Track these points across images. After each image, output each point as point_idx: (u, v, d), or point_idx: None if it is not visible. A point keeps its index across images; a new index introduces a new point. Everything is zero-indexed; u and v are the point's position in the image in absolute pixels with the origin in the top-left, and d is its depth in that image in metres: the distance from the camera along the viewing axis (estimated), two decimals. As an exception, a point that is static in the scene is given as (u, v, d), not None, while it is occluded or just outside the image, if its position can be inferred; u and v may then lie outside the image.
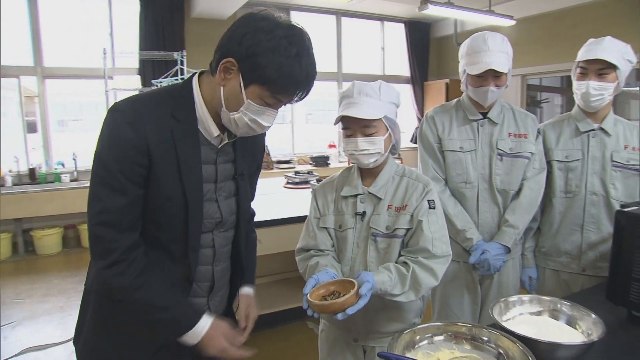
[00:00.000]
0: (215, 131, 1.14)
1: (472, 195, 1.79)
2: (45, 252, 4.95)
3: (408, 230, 1.37)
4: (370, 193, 1.43)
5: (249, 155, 1.27)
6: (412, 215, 1.37)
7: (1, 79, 4.93)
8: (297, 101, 1.11)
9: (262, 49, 1.00)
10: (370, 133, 1.36)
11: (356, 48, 7.11)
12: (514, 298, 1.27)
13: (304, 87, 1.07)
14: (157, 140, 1.06)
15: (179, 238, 1.13)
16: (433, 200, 1.38)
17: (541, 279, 1.89)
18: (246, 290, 1.36)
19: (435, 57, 7.56)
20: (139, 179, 1.06)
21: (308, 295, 1.20)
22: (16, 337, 3.13)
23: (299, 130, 6.82)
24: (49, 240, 4.99)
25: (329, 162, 6.27)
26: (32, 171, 5.17)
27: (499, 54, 1.66)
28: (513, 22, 5.29)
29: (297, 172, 4.22)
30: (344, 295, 1.17)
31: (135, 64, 5.40)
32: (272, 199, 3.35)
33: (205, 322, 1.14)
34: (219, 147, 1.19)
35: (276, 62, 1.00)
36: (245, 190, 1.27)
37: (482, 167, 1.78)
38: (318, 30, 6.86)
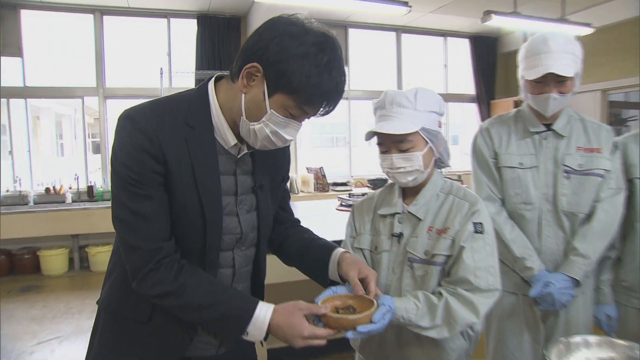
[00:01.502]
0: (233, 139, 1.13)
1: (533, 218, 1.65)
2: (99, 268, 5.18)
3: (449, 257, 1.26)
4: (409, 212, 1.35)
5: (269, 166, 1.25)
6: (453, 240, 1.26)
7: (59, 99, 5.30)
8: (322, 114, 1.08)
9: (291, 55, 0.99)
10: (405, 149, 1.29)
11: (417, 66, 7.05)
12: (577, 339, 1.11)
13: (332, 99, 1.05)
14: (172, 148, 1.05)
15: (196, 255, 1.11)
16: (481, 224, 1.25)
17: (622, 319, 1.71)
18: (341, 251, 1.27)
19: (503, 74, 7.29)
20: (160, 185, 1.06)
21: (320, 302, 1.12)
22: (62, 352, 3.24)
23: (357, 151, 6.81)
24: (102, 257, 5.22)
25: (387, 184, 6.16)
26: (90, 189, 5.48)
27: (562, 56, 1.52)
28: (591, 31, 4.97)
29: (351, 195, 4.18)
30: (359, 313, 1.09)
31: (191, 83, 5.61)
32: (322, 221, 3.33)
33: (266, 311, 1.08)
34: (238, 157, 1.17)
35: (305, 70, 0.99)
36: (266, 204, 1.24)
37: (545, 186, 1.64)
38: (377, 48, 6.87)
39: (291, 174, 5.74)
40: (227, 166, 1.15)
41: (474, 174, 1.78)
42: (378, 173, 6.54)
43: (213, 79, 1.15)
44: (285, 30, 1.01)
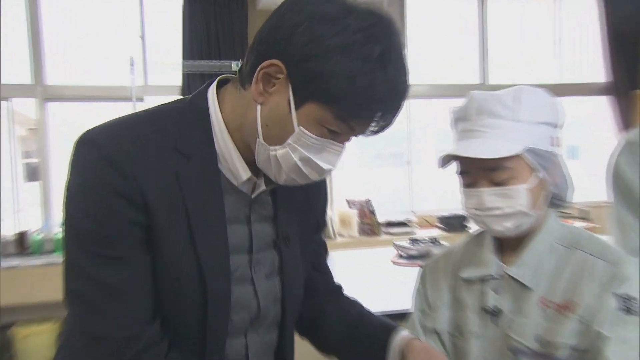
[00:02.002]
0: (245, 172, 1.16)
1: None
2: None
3: (581, 352, 1.22)
4: (510, 277, 1.35)
5: (298, 208, 1.30)
6: (584, 322, 1.23)
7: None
8: (375, 131, 1.12)
9: (326, 47, 1.02)
10: (501, 180, 1.30)
11: (512, 46, 7.00)
12: None
13: (389, 108, 1.08)
14: (156, 187, 1.08)
15: (192, 344, 1.14)
16: (630, 298, 1.21)
17: None
18: (405, 336, 1.33)
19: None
20: (138, 243, 1.09)
21: None
22: None
23: (421, 173, 6.80)
24: (38, 342, 4.96)
25: (467, 224, 6.08)
26: (21, 237, 5.30)
27: None
28: None
29: (414, 240, 4.18)
30: None
31: (176, 79, 5.73)
32: (372, 283, 3.33)
33: None
34: (253, 196, 1.21)
35: (347, 68, 1.02)
36: (294, 265, 1.28)
37: None
38: (448, 22, 6.89)
39: (324, 210, 5.77)
40: (237, 211, 1.18)
41: (614, 213, 1.76)
42: (453, 206, 6.47)
43: (215, 83, 1.19)
44: (317, 11, 1.04)
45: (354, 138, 1.15)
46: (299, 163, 1.10)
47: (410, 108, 6.66)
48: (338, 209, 6.13)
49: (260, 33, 1.10)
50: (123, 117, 1.16)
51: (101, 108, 5.84)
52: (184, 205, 1.10)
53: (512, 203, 1.29)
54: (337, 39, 1.02)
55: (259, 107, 1.09)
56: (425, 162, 7.12)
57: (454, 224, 6.08)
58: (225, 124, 1.15)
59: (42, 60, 5.65)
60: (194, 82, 5.64)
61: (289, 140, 1.08)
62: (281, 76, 1.06)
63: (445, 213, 6.22)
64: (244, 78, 1.12)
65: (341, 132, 1.09)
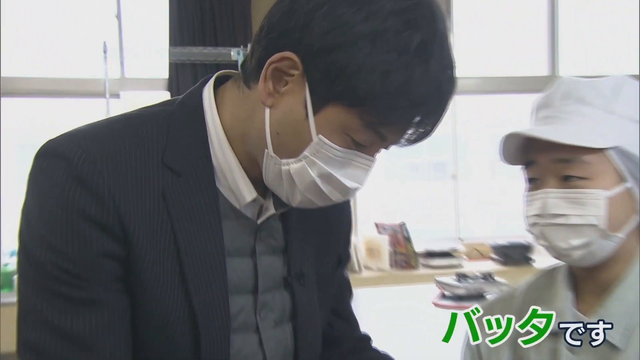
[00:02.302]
0: (249, 192, 1.17)
1: None
2: None
3: None
4: (590, 331, 1.30)
5: (314, 238, 1.32)
6: None
7: None
8: (413, 140, 1.13)
9: (353, 35, 1.02)
10: (574, 177, 1.29)
11: (589, 29, 7.01)
12: None
13: (430, 111, 1.09)
14: (138, 213, 1.09)
15: None
16: None
17: None
18: None
19: None
20: (114, 281, 1.09)
21: None
22: None
23: (470, 192, 6.80)
24: None
25: (530, 257, 6.04)
26: None
27: None
28: None
29: (461, 276, 4.16)
30: None
31: (161, 71, 5.77)
32: (406, 328, 3.33)
33: None
34: (259, 222, 1.21)
35: (380, 62, 1.02)
36: (310, 310, 1.30)
37: None
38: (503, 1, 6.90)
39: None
40: (239, 241, 1.19)
41: None
42: (513, 232, 6.42)
43: (211, 81, 1.21)
44: None
45: (385, 149, 1.16)
46: (317, 180, 1.10)
47: (456, 107, 6.63)
48: (365, 235, 6.14)
49: (269, 17, 1.11)
50: (96, 122, 1.17)
51: (67, 106, 5.90)
52: (173, 233, 1.11)
53: (583, 211, 1.28)
54: (367, 25, 1.02)
55: (267, 110, 1.10)
56: (476, 175, 7.09)
57: (513, 255, 6.01)
58: (225, 132, 1.16)
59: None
60: (183, 74, 5.68)
61: (306, 152, 1.09)
62: (296, 72, 1.07)
63: (502, 241, 6.16)
64: (249, 75, 1.13)
65: (371, 141, 1.10)
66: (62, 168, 1.06)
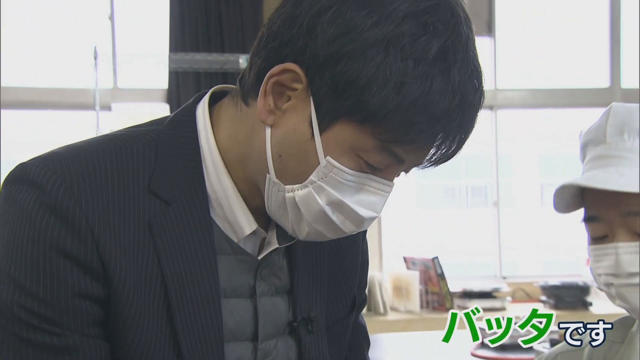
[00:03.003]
0: (248, 223, 1.18)
1: None
2: None
3: None
4: None
5: (325, 274, 1.32)
6: None
7: None
8: (435, 162, 1.14)
9: (363, 42, 1.03)
10: None
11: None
12: None
13: (454, 127, 1.09)
14: (121, 247, 1.09)
15: None
16: None
17: None
18: None
19: None
20: (91, 328, 1.09)
21: None
22: None
23: (515, 222, 6.80)
24: None
25: (588, 300, 6.00)
26: None
27: None
28: None
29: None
30: None
31: (159, 80, 5.82)
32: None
33: None
34: (260, 257, 1.22)
35: (394, 72, 1.03)
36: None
37: None
38: (553, 3, 6.89)
39: (373, 270, 5.71)
40: (237, 279, 1.20)
41: None
42: (567, 270, 6.38)
43: (206, 98, 1.21)
44: None
45: (405, 172, 1.17)
46: (326, 209, 1.10)
47: (498, 122, 6.69)
48: (392, 271, 6.17)
49: (270, 25, 1.12)
50: (74, 144, 1.17)
51: (52, 119, 5.98)
52: (160, 270, 1.11)
53: None
54: (379, 29, 1.03)
55: (268, 130, 1.11)
56: (522, 202, 7.07)
57: (567, 297, 5.98)
58: (221, 155, 1.17)
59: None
60: (185, 84, 5.73)
61: (312, 177, 1.09)
62: (299, 86, 1.07)
63: (554, 281, 6.15)
64: (247, 90, 1.14)
65: (385, 164, 1.10)
66: (34, 196, 1.06)
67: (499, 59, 6.56)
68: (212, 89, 1.24)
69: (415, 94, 1.02)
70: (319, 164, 1.08)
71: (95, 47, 5.37)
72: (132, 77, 5.89)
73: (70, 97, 5.74)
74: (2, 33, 5.82)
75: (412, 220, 6.94)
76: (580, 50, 6.92)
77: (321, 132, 1.07)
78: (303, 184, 1.10)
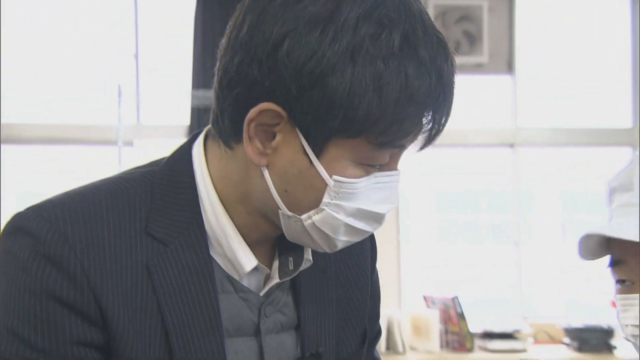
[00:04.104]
0: (249, 260, 1.17)
1: None
2: None
3: None
4: None
5: (333, 306, 1.30)
6: None
7: None
8: (432, 138, 1.13)
9: (328, 62, 1.02)
10: None
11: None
12: None
13: (439, 101, 1.09)
14: (118, 292, 1.08)
15: None
16: None
17: None
18: None
19: None
20: None
21: None
22: None
23: (536, 261, 6.77)
24: None
25: (613, 344, 5.94)
26: None
27: None
28: None
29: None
30: None
31: (182, 117, 5.84)
32: None
33: None
34: (263, 294, 1.21)
35: (370, 76, 1.03)
36: None
37: None
38: (574, 40, 6.90)
39: (392, 308, 5.71)
40: (240, 318, 1.18)
41: None
42: (591, 313, 6.33)
43: (202, 136, 1.21)
44: (296, 12, 1.03)
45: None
46: (349, 221, 1.11)
47: (519, 160, 6.68)
48: (410, 310, 6.11)
49: (225, 69, 1.10)
50: (70, 190, 1.17)
51: (75, 155, 5.96)
52: (160, 313, 1.10)
53: None
54: (338, 43, 1.02)
55: (265, 172, 1.10)
56: (543, 240, 7.02)
57: (591, 340, 5.92)
58: (217, 193, 1.16)
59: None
60: (206, 121, 5.38)
61: (325, 199, 1.09)
62: (281, 121, 1.06)
63: (577, 323, 6.09)
64: (226, 135, 1.13)
65: (388, 158, 1.11)
66: (29, 246, 1.06)
67: (519, 97, 6.56)
68: (207, 127, 1.22)
69: (396, 90, 1.03)
70: (327, 185, 1.08)
71: (119, 85, 5.42)
72: (155, 114, 5.90)
73: (93, 134, 5.76)
74: (28, 69, 5.88)
75: (432, 257, 6.90)
76: (603, 90, 6.87)
77: (318, 156, 1.07)
78: (318, 208, 1.10)
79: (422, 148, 1.14)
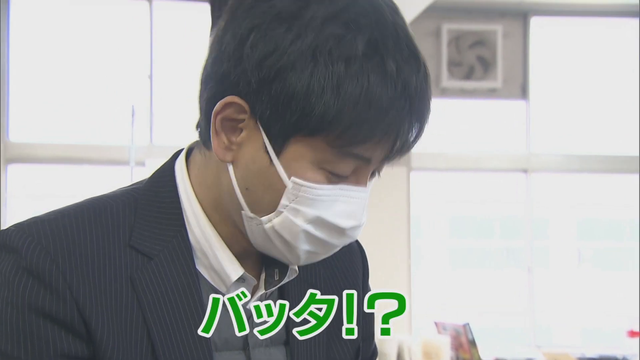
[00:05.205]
0: (234, 269, 1.15)
1: None
2: None
3: None
4: None
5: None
6: None
7: None
8: (399, 152, 1.09)
9: (289, 59, 1.02)
10: None
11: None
12: None
13: (406, 113, 1.06)
14: (102, 305, 1.07)
15: None
16: None
17: None
18: None
19: None
20: None
21: None
22: None
23: (550, 287, 6.74)
24: None
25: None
26: None
27: None
28: None
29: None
30: None
31: (193, 137, 5.78)
32: None
33: None
34: (248, 304, 1.16)
35: (328, 77, 1.02)
36: None
37: None
38: (587, 69, 6.89)
39: (402, 334, 5.69)
40: (227, 330, 1.14)
41: None
42: (606, 341, 6.31)
43: (184, 151, 1.21)
44: (264, 11, 1.04)
45: (377, 173, 1.15)
46: (308, 228, 1.08)
47: (532, 185, 6.68)
48: (422, 336, 6.07)
49: (204, 68, 1.11)
50: (55, 209, 1.16)
51: (87, 174, 5.98)
52: (146, 326, 1.09)
53: None
54: (301, 41, 1.01)
55: (230, 167, 1.09)
56: (557, 266, 6.99)
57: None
58: (199, 204, 1.15)
59: (3, 109, 5.80)
60: None
61: (283, 202, 1.06)
62: (245, 116, 1.05)
63: (592, 354, 6.07)
64: (204, 135, 1.12)
65: (351, 169, 1.08)
66: (11, 261, 1.06)
67: (533, 123, 6.58)
68: (188, 145, 1.22)
69: (355, 93, 1.01)
70: (285, 187, 1.05)
71: (132, 105, 5.44)
72: (167, 134, 5.94)
73: (106, 153, 5.77)
74: (42, 89, 5.92)
75: (444, 282, 6.89)
76: (615, 117, 6.88)
77: (278, 155, 1.05)
78: (277, 211, 1.07)
79: (387, 160, 1.11)
